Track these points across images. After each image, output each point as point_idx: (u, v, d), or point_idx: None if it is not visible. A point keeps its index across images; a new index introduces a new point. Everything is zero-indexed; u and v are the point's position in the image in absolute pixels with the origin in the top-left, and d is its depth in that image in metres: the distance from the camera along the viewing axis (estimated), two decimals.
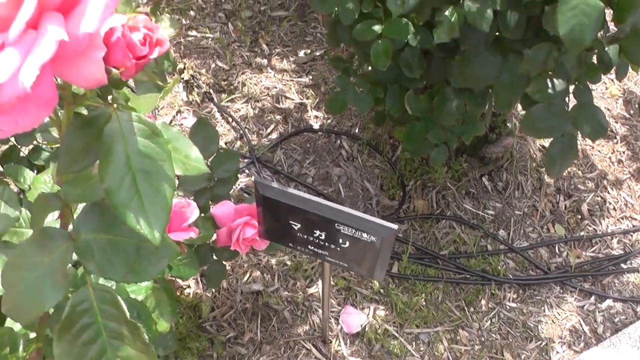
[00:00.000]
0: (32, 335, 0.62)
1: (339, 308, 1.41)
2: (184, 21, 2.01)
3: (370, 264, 0.94)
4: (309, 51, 1.99)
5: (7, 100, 0.32)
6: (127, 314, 0.43)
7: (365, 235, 0.88)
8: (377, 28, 1.14)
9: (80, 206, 0.49)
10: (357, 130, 1.73)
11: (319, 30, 2.07)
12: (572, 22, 0.80)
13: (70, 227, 0.47)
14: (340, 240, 0.91)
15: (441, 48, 1.18)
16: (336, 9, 1.16)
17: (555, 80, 1.00)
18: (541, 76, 0.99)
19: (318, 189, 1.60)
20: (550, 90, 1.00)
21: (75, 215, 0.49)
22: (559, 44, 0.95)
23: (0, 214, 0.56)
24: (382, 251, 0.90)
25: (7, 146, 1.05)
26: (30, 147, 1.05)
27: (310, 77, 1.89)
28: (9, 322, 0.62)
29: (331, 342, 1.33)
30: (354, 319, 1.36)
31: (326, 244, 0.93)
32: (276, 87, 1.85)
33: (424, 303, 1.47)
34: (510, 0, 1.02)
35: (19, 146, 1.04)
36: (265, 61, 1.94)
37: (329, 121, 1.76)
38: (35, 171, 1.00)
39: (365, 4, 1.15)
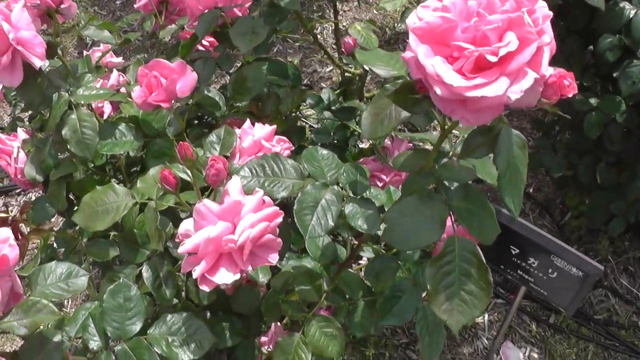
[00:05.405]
0: None
1: (491, 341, 1.56)
2: None
3: (569, 296, 1.10)
4: None
5: (490, 105, 0.54)
6: (482, 260, 0.64)
7: (574, 269, 1.05)
8: (593, 101, 1.32)
9: None
10: (531, 190, 1.90)
11: None
12: None
13: None
14: (550, 270, 1.08)
15: None
16: None
17: None
18: None
19: None
20: None
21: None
22: None
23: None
24: (584, 287, 1.07)
25: None
26: None
27: None
28: None
29: None
30: (513, 353, 1.51)
31: (535, 271, 1.11)
32: None
33: (574, 357, 1.59)
34: None
35: None
36: None
37: None
38: None
39: (586, 78, 1.34)
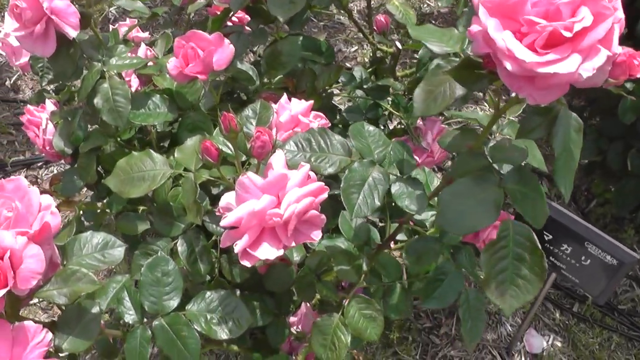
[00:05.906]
0: None
1: (515, 328, 1.54)
2: None
3: (601, 284, 1.08)
4: None
5: (558, 83, 0.52)
6: (536, 245, 0.62)
7: (608, 257, 1.03)
8: (628, 85, 1.29)
9: None
10: None
11: None
12: None
13: None
14: (583, 257, 1.06)
15: None
16: None
17: None
18: None
19: None
20: None
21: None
22: None
23: None
24: (618, 275, 1.05)
25: None
26: None
27: None
28: None
29: (514, 355, 1.47)
30: (537, 341, 1.49)
31: (568, 258, 1.08)
32: None
33: (597, 347, 1.57)
34: None
35: None
36: None
37: None
38: None
39: None
